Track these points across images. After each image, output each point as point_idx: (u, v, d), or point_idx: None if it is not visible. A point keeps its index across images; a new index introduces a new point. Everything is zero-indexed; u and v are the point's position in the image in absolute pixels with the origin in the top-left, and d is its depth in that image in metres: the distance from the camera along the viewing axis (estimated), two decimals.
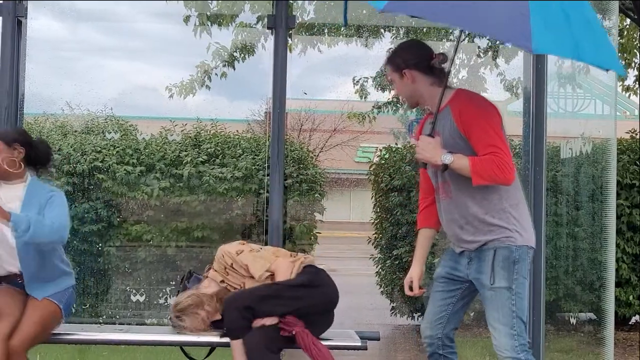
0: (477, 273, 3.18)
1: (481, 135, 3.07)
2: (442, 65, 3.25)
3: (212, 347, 3.78)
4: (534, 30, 3.08)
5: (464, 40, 3.28)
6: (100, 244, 6.72)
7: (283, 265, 3.66)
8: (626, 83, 9.23)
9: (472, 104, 3.18)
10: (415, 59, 3.25)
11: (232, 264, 3.69)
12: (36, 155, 3.69)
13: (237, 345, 3.48)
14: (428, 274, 3.58)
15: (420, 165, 3.24)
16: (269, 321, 3.51)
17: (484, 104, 3.23)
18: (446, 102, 3.19)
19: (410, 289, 3.44)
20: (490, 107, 3.20)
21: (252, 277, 3.65)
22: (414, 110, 8.97)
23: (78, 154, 6.77)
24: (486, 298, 3.15)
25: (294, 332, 3.49)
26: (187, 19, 6.87)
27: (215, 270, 3.77)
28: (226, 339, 3.56)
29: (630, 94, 9.41)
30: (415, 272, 3.46)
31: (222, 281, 3.75)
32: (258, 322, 3.50)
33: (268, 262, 3.67)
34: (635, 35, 8.80)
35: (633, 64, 8.83)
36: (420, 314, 7.48)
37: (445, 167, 3.08)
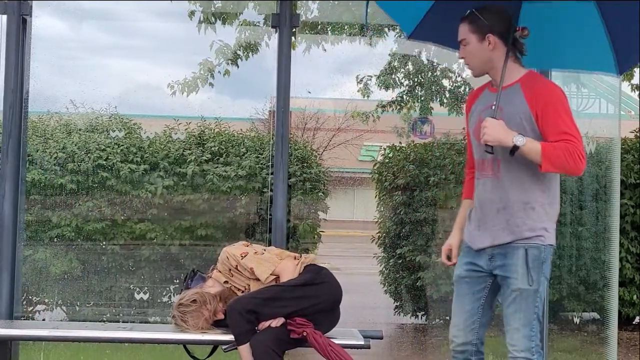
0: (503, 271, 3.10)
1: (556, 121, 2.99)
2: (522, 40, 3.17)
3: (215, 345, 3.79)
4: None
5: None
6: (104, 242, 6.73)
7: (288, 267, 3.67)
8: (633, 82, 9.18)
9: (549, 87, 3.12)
10: (502, 26, 3.13)
11: (236, 266, 3.70)
12: None
13: (245, 350, 3.47)
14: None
15: (487, 149, 3.06)
16: (275, 322, 3.51)
17: (559, 89, 3.15)
18: (516, 79, 3.12)
19: (448, 258, 3.35)
20: (563, 93, 3.13)
21: (257, 279, 3.66)
22: (417, 109, 9.00)
23: (82, 153, 6.78)
24: (510, 297, 3.07)
25: (304, 334, 3.49)
26: (192, 14, 6.88)
27: (219, 271, 3.77)
28: (229, 337, 3.57)
29: (638, 92, 9.36)
30: (455, 241, 3.36)
31: (226, 282, 3.76)
32: (264, 325, 3.51)
33: (273, 265, 3.67)
34: None
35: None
36: (423, 312, 7.48)
37: (515, 149, 2.97)
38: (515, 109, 3.06)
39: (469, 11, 3.19)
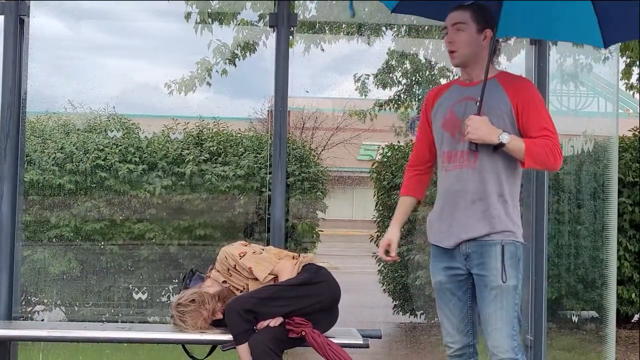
0: (480, 269, 3.06)
1: (537, 117, 3.04)
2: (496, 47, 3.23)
3: (214, 345, 3.79)
4: (501, 16, 3.17)
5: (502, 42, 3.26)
6: (102, 243, 6.73)
7: (287, 267, 3.67)
8: (630, 81, 9.19)
9: (528, 84, 3.19)
10: (496, 25, 3.17)
11: (235, 265, 3.69)
12: None
13: (244, 350, 3.47)
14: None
15: (471, 147, 3.05)
16: (274, 322, 3.51)
17: (535, 87, 3.21)
18: (492, 75, 3.13)
19: (387, 253, 3.33)
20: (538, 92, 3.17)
21: (255, 279, 3.66)
22: (414, 108, 9.00)
23: (81, 153, 6.78)
24: (490, 296, 3.02)
25: (303, 333, 3.49)
26: (188, 16, 6.88)
27: (218, 271, 3.77)
28: (227, 337, 3.57)
29: (634, 92, 9.38)
30: (394, 236, 3.35)
31: (225, 281, 3.76)
32: (262, 324, 3.51)
33: (271, 264, 3.66)
34: None
35: (637, 62, 8.79)
36: (422, 311, 7.49)
37: (499, 146, 2.99)
38: (495, 102, 3.08)
39: (471, 1, 3.20)
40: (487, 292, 3.05)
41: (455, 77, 3.39)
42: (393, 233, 3.36)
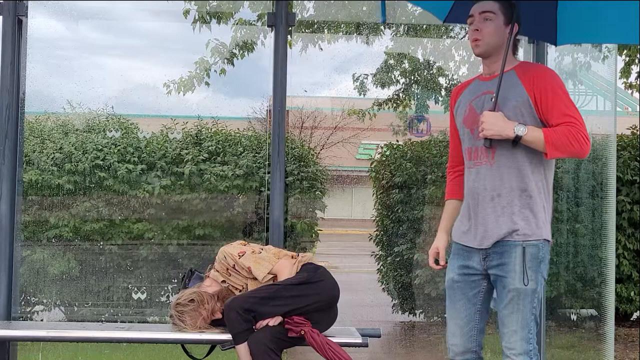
0: (499, 270, 2.98)
1: (557, 103, 2.95)
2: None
3: (213, 345, 3.79)
4: (559, 26, 3.22)
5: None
6: (101, 242, 6.73)
7: (286, 266, 3.67)
8: (628, 80, 9.20)
9: (545, 71, 3.10)
10: (519, 24, 3.15)
11: (234, 265, 3.70)
12: None
13: (243, 349, 3.47)
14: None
15: (486, 144, 2.99)
16: (273, 321, 3.51)
17: (555, 72, 3.12)
18: (511, 66, 3.09)
19: (436, 262, 3.23)
20: (559, 77, 3.09)
21: (254, 278, 3.66)
22: (413, 107, 9.01)
23: (79, 153, 6.78)
24: (506, 298, 2.95)
25: (302, 332, 3.49)
26: (186, 13, 6.88)
27: (217, 271, 3.77)
28: (227, 336, 3.57)
29: (632, 91, 9.38)
30: (441, 242, 3.25)
31: (224, 281, 3.76)
32: (262, 324, 3.51)
33: (270, 264, 3.67)
34: None
35: (636, 61, 8.80)
36: (421, 310, 7.49)
37: (517, 139, 2.92)
38: (511, 95, 3.02)
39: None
40: (504, 293, 2.98)
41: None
42: (440, 240, 3.28)
